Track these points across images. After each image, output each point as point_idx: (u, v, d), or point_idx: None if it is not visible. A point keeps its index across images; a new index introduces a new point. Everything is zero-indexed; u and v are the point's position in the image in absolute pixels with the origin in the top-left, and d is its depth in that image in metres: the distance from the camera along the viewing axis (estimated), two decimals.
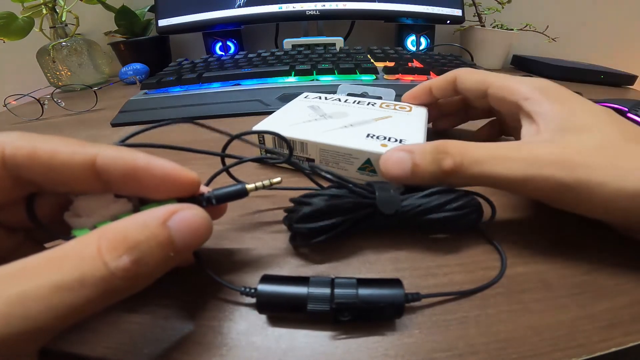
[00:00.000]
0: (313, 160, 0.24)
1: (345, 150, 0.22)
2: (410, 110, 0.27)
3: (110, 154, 0.12)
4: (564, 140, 0.16)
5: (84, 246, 0.10)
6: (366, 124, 0.24)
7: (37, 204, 0.13)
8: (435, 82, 0.25)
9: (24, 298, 0.08)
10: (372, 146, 0.21)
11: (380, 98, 0.32)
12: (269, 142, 0.25)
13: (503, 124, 0.26)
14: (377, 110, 0.27)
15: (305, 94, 0.31)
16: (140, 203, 0.14)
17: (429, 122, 0.27)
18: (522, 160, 0.15)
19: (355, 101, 0.29)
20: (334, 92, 0.33)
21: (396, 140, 0.22)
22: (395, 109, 0.28)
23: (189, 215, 0.12)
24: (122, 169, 0.12)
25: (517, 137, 0.20)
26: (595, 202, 0.15)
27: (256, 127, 0.24)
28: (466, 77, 0.23)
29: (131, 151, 0.12)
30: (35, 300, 0.08)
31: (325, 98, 0.30)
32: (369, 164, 0.22)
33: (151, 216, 0.11)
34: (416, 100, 0.27)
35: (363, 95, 0.35)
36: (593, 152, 0.15)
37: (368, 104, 0.29)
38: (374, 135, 0.23)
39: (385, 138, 0.22)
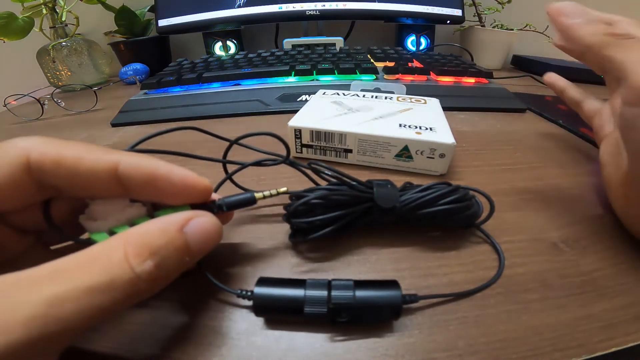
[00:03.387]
0: (350, 151, 0.25)
1: (384, 139, 0.23)
2: (425, 103, 0.29)
3: (132, 161, 0.12)
4: None
5: (112, 251, 0.10)
6: (393, 116, 0.26)
7: (52, 207, 0.13)
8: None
9: (60, 299, 0.09)
10: (409, 134, 0.23)
11: (392, 92, 0.34)
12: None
13: None
14: (396, 103, 0.29)
15: (321, 91, 0.32)
16: (153, 208, 0.14)
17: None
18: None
19: (373, 96, 0.31)
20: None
21: (427, 129, 0.24)
22: (412, 101, 0.30)
23: (202, 222, 0.12)
24: (143, 175, 0.12)
25: None
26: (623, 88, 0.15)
27: (291, 123, 0.25)
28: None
29: (151, 159, 0.13)
30: (69, 301, 0.09)
31: (344, 94, 0.31)
32: (406, 150, 0.23)
33: (169, 222, 0.12)
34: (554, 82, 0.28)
35: (376, 90, 0.36)
36: None
37: (385, 98, 0.30)
38: (406, 125, 0.24)
39: (417, 127, 0.24)
